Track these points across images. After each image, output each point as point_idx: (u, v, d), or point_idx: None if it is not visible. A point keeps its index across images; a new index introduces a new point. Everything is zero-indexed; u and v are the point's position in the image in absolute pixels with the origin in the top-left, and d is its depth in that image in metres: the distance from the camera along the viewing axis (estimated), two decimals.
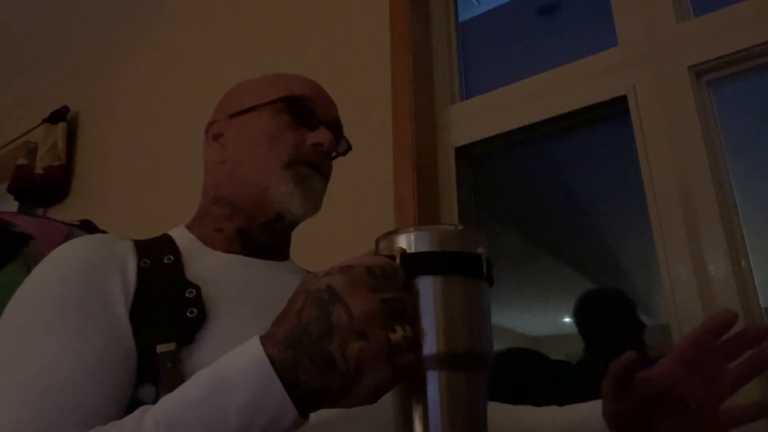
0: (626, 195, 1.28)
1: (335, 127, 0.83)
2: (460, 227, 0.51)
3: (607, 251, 1.39)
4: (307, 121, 0.79)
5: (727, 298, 1.01)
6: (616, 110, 1.26)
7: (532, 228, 1.48)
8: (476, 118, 1.44)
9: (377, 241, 0.53)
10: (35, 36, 2.44)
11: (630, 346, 1.29)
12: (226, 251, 0.77)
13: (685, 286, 1.05)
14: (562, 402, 0.84)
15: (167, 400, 0.48)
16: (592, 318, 1.33)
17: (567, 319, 1.38)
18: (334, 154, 0.84)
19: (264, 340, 0.47)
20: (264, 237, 0.80)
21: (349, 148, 0.86)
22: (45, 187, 2.24)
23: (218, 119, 0.83)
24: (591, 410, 0.77)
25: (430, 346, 0.47)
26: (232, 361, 0.47)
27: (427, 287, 0.48)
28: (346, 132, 0.86)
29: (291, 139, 0.77)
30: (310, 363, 0.45)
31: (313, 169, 0.78)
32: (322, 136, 0.78)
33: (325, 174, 0.81)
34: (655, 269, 1.10)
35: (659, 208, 1.12)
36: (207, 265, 0.72)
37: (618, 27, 1.29)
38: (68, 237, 0.85)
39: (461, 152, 1.46)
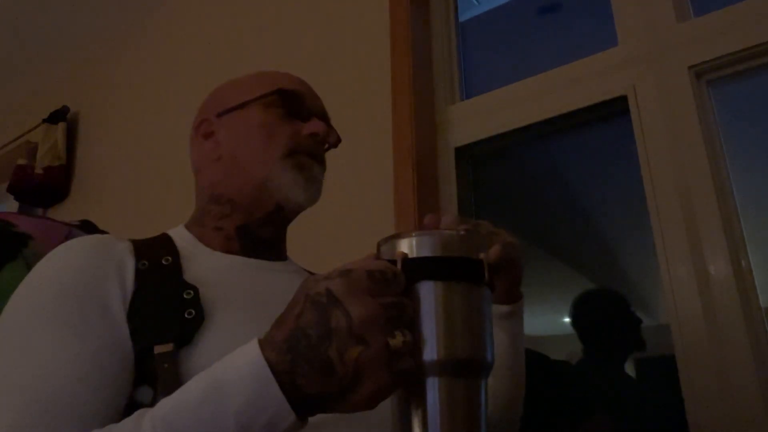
0: (626, 195, 1.28)
1: (325, 119, 0.84)
2: (462, 232, 0.50)
3: (607, 251, 1.39)
4: (299, 113, 0.80)
5: (727, 298, 1.01)
6: (616, 110, 1.26)
7: (532, 228, 1.48)
8: (476, 118, 1.44)
9: (379, 245, 0.52)
10: (35, 36, 2.44)
11: (629, 344, 1.30)
12: (225, 251, 0.77)
13: (685, 286, 1.05)
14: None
15: (165, 404, 0.48)
16: (588, 320, 1.33)
17: (567, 319, 1.38)
18: (326, 146, 0.84)
19: (262, 343, 0.47)
20: (263, 232, 0.79)
21: (339, 140, 0.86)
22: (45, 187, 2.24)
23: (207, 118, 0.82)
24: None
25: (430, 352, 0.47)
26: (231, 365, 0.47)
27: (429, 293, 0.48)
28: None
29: (286, 130, 0.78)
30: (309, 367, 0.45)
31: (312, 158, 0.79)
32: (317, 126, 0.79)
33: (323, 163, 0.82)
34: (655, 269, 1.10)
35: (659, 208, 1.12)
36: (206, 266, 0.72)
37: (618, 27, 1.29)
38: (68, 237, 0.84)
39: (461, 152, 1.46)
